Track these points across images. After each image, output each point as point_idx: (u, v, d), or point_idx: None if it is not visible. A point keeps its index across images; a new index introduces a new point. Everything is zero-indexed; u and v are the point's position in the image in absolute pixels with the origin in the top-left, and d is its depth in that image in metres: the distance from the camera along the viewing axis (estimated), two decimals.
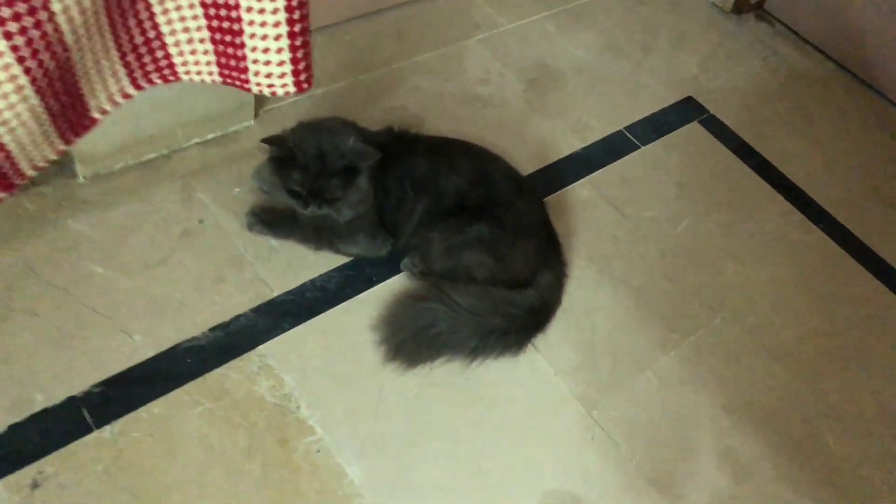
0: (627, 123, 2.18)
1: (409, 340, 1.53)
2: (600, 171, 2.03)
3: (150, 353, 1.44)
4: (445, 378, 1.53)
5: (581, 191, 1.97)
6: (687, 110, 2.26)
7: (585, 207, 1.93)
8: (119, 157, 1.68)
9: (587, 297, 1.74)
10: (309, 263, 1.65)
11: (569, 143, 2.08)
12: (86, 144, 1.59)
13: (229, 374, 1.45)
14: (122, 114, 1.57)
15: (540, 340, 1.64)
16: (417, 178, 1.64)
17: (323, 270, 1.65)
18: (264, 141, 1.49)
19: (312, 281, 1.63)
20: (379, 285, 1.66)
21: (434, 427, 1.46)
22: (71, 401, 1.35)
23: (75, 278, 1.50)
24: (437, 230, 1.63)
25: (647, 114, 2.22)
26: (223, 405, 1.40)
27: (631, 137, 2.14)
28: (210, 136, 1.82)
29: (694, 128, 2.22)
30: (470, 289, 1.56)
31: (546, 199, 1.88)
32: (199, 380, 1.43)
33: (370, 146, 1.54)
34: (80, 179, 1.66)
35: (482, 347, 1.55)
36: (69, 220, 1.59)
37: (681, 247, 1.90)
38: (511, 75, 2.22)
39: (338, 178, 1.51)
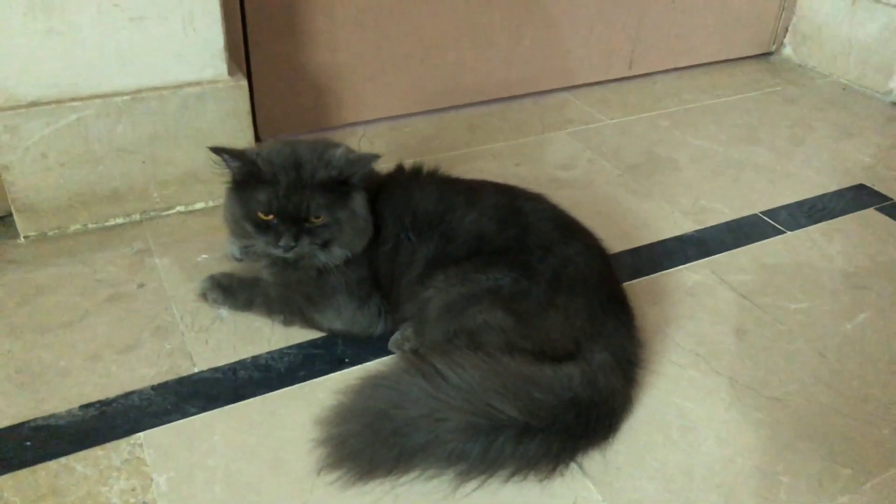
0: (766, 208, 1.58)
1: (361, 435, 0.94)
2: (721, 254, 1.42)
3: None
4: (416, 501, 0.90)
5: (690, 275, 1.35)
6: (858, 198, 1.65)
7: (695, 293, 1.30)
8: (75, 217, 1.36)
9: (687, 406, 1.06)
10: (261, 338, 1.16)
11: (676, 225, 1.51)
12: (29, 195, 1.28)
13: (75, 466, 0.93)
14: (71, 155, 1.27)
15: (592, 459, 0.97)
16: (421, 216, 1.14)
17: (277, 347, 1.14)
18: (214, 150, 1.07)
19: (256, 358, 1.12)
20: (351, 368, 1.11)
21: None
22: None
23: None
24: (436, 283, 1.08)
25: (795, 200, 1.61)
26: None
27: (770, 221, 1.53)
28: (199, 206, 1.46)
29: (870, 215, 1.57)
30: (468, 358, 0.96)
31: (631, 282, 1.28)
32: (26, 471, 0.93)
33: (367, 155, 1.08)
34: (21, 240, 1.34)
35: (485, 457, 0.92)
36: None
37: (854, 348, 1.18)
38: (604, 162, 1.74)
39: (322, 195, 1.05)
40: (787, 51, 2.45)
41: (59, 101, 1.29)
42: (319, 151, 1.09)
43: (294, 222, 1.05)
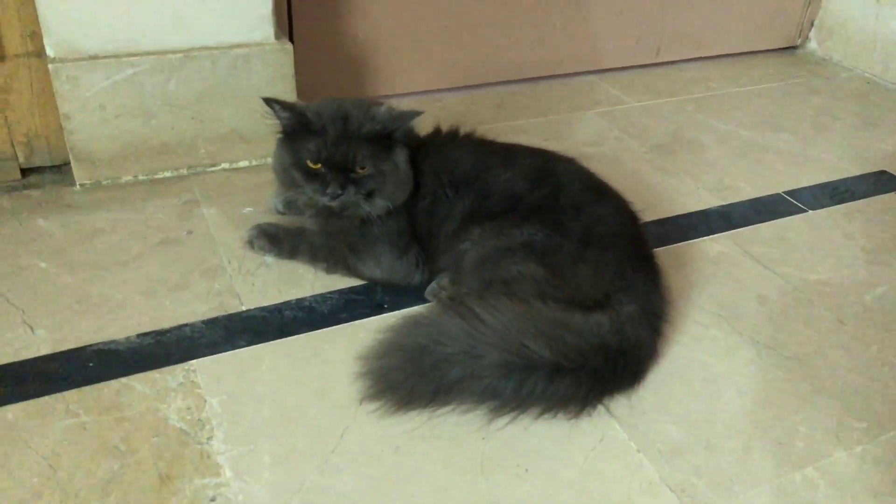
0: (789, 189, 1.62)
1: (401, 368, 1.00)
2: (744, 228, 1.47)
3: (44, 351, 1.05)
4: (450, 431, 0.96)
5: (713, 245, 1.40)
6: (880, 182, 1.70)
7: (718, 262, 1.35)
8: (127, 168, 1.43)
9: (710, 361, 1.12)
10: (304, 283, 1.22)
11: (701, 200, 1.56)
12: (86, 144, 1.35)
13: (134, 385, 1.00)
14: (126, 108, 1.33)
15: (618, 403, 1.02)
16: (458, 174, 1.20)
17: (320, 291, 1.20)
18: (267, 101, 1.14)
19: (300, 300, 1.18)
20: (389, 313, 1.17)
21: (412, 498, 0.87)
22: None
23: (7, 270, 1.19)
24: (472, 237, 1.14)
25: (816, 182, 1.66)
26: (104, 421, 0.94)
27: (793, 201, 1.58)
28: (243, 164, 1.53)
29: (891, 199, 1.63)
30: (503, 302, 1.02)
31: (656, 249, 1.33)
32: (90, 388, 0.99)
33: (410, 111, 1.15)
34: (76, 187, 1.40)
35: (518, 394, 0.97)
36: (39, 219, 1.32)
37: (872, 317, 1.24)
38: (630, 140, 1.79)
39: (367, 147, 1.11)
40: (812, 45, 2.49)
41: (117, 56, 1.36)
42: (365, 107, 1.15)
43: (341, 171, 1.11)
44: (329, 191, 1.11)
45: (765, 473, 0.95)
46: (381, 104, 1.18)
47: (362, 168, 1.12)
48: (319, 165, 1.11)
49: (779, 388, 1.09)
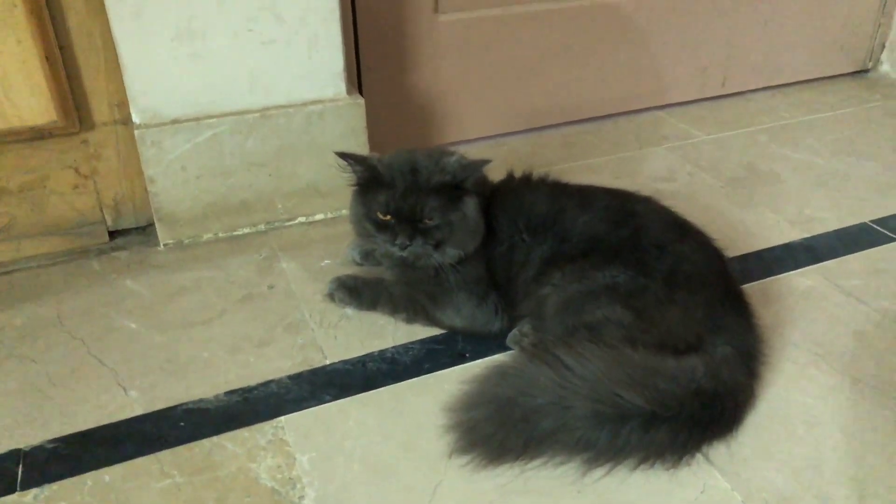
0: (876, 217, 1.56)
1: (490, 420, 0.98)
2: (832, 261, 1.42)
3: (138, 412, 1.07)
4: (545, 486, 0.94)
5: (801, 280, 1.36)
6: None
7: (809, 297, 1.30)
8: (208, 226, 1.47)
9: (810, 403, 1.07)
10: (385, 334, 1.22)
11: (783, 233, 1.52)
12: (169, 205, 1.40)
13: (225, 444, 1.00)
14: (207, 168, 1.38)
15: (717, 450, 0.98)
16: (535, 218, 1.19)
17: (401, 342, 1.20)
18: (341, 155, 1.17)
19: (382, 352, 1.18)
20: (471, 363, 1.16)
21: None
22: (12, 454, 1.00)
23: (100, 331, 1.22)
24: (553, 281, 1.13)
25: None
26: (198, 481, 0.95)
27: (881, 229, 1.52)
28: (318, 217, 1.55)
29: None
30: (590, 349, 1.00)
31: (743, 286, 1.29)
32: (183, 448, 1.00)
33: (478, 160, 1.15)
34: (160, 247, 1.45)
35: (612, 445, 0.95)
36: (128, 280, 1.36)
37: None
38: (704, 175, 1.76)
39: (436, 197, 1.12)
40: (885, 67, 2.42)
41: (197, 119, 1.40)
42: (435, 158, 1.16)
43: (409, 222, 1.12)
44: (398, 241, 1.12)
45: None
46: (453, 154, 1.18)
47: (430, 219, 1.12)
48: (389, 217, 1.12)
49: (889, 430, 1.03)
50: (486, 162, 1.15)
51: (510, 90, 1.93)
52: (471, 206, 1.15)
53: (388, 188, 1.13)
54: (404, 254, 1.15)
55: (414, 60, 1.78)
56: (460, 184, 1.13)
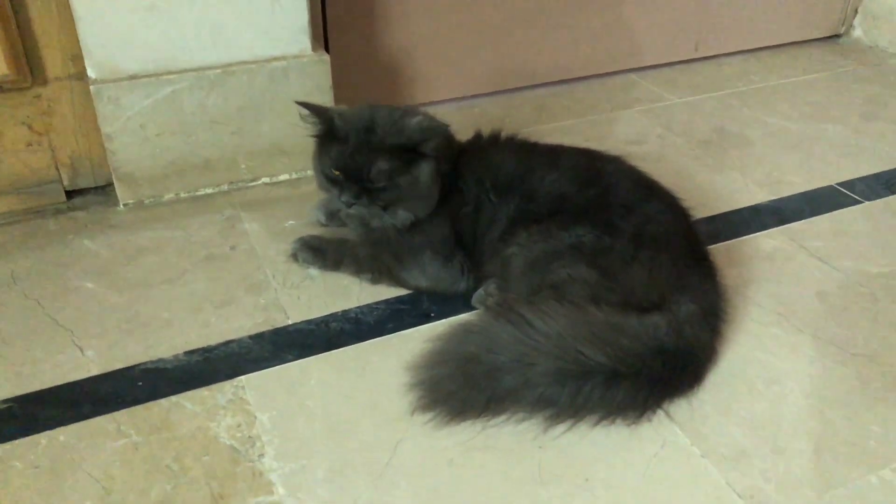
0: (842, 180, 1.57)
1: (452, 378, 0.97)
2: (798, 222, 1.42)
3: (94, 372, 1.05)
4: (506, 442, 0.93)
5: (767, 241, 1.36)
6: None
7: (774, 258, 1.30)
8: (169, 186, 1.43)
9: (771, 361, 1.07)
10: (350, 293, 1.21)
11: (750, 195, 1.51)
12: (128, 164, 1.36)
13: (184, 404, 0.99)
14: (167, 126, 1.34)
15: (678, 407, 0.99)
16: (502, 178, 1.17)
17: (365, 302, 1.18)
18: (301, 104, 1.14)
19: (346, 312, 1.17)
20: (436, 322, 1.14)
21: None
22: None
23: (56, 291, 1.19)
24: (519, 241, 1.12)
25: (872, 172, 1.60)
26: (155, 441, 0.93)
27: (847, 192, 1.52)
28: (282, 177, 1.52)
29: None
30: (555, 307, 0.99)
31: (709, 247, 1.29)
32: (140, 407, 0.98)
33: (441, 124, 1.12)
34: (120, 207, 1.41)
35: (574, 401, 0.94)
36: (85, 240, 1.33)
37: None
38: (675, 137, 1.75)
39: (387, 159, 1.09)
40: (857, 32, 2.42)
41: (156, 75, 1.36)
42: (396, 117, 1.13)
43: (356, 181, 1.10)
44: (343, 199, 1.11)
45: (838, 476, 0.91)
46: (417, 114, 1.15)
47: (377, 181, 1.10)
48: (338, 173, 1.10)
49: (847, 386, 1.04)
50: (445, 127, 1.12)
51: (481, 51, 1.90)
52: (425, 171, 1.12)
53: (342, 143, 1.11)
54: (351, 211, 1.13)
55: (383, 18, 1.74)
56: (416, 147, 1.11)
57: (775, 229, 1.41)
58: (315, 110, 1.12)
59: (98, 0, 1.27)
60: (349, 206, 1.11)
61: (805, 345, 1.11)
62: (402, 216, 1.14)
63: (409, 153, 1.10)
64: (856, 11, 2.38)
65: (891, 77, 2.12)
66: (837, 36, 2.42)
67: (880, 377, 1.05)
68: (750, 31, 2.24)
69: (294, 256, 1.28)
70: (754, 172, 1.62)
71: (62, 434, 0.95)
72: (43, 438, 0.94)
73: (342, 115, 1.13)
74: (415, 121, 1.12)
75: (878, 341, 1.12)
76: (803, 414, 0.99)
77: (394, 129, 1.11)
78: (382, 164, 1.09)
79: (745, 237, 1.38)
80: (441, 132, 1.12)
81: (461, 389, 0.96)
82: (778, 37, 2.31)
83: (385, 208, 1.12)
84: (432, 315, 1.16)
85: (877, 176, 1.61)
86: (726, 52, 2.25)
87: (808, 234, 1.39)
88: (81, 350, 1.08)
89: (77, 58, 1.32)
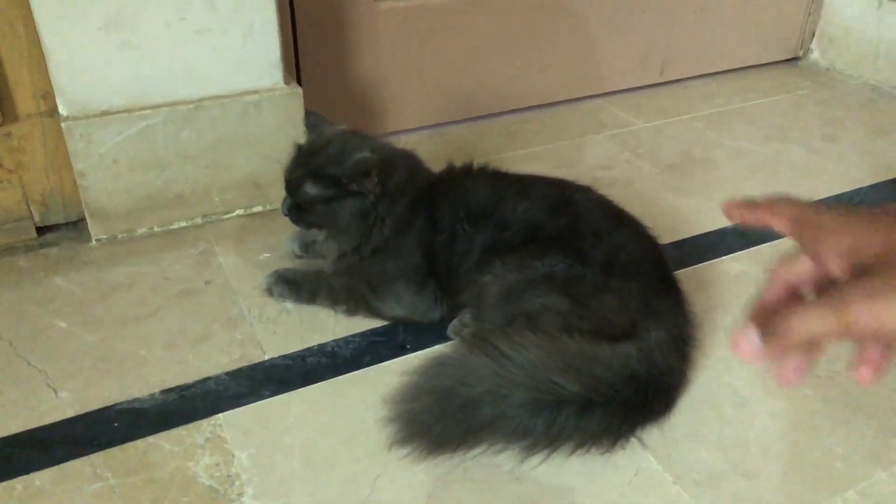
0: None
1: (429, 411, 0.98)
2: (763, 245, 1.45)
3: (69, 414, 1.04)
4: (483, 474, 0.95)
5: (734, 265, 1.39)
6: None
7: (740, 282, 1.34)
8: (142, 220, 1.43)
9: (739, 385, 1.10)
10: (325, 328, 1.21)
11: (717, 219, 1.55)
12: (101, 199, 1.36)
13: (161, 444, 0.99)
14: (140, 161, 1.35)
15: (650, 433, 1.01)
16: (475, 207, 1.20)
17: (342, 335, 1.19)
18: (307, 112, 1.29)
19: (322, 345, 1.18)
20: (412, 354, 1.16)
21: None
22: None
23: (28, 332, 1.19)
24: (494, 270, 1.14)
25: (832, 193, 1.66)
26: (133, 483, 0.93)
27: None
28: (257, 209, 1.53)
29: None
30: (528, 337, 1.01)
31: (677, 272, 1.32)
32: (116, 449, 0.98)
33: (375, 161, 1.15)
34: (93, 243, 1.41)
35: (549, 431, 0.96)
36: (56, 278, 1.32)
37: None
38: (641, 162, 1.79)
39: (315, 185, 1.16)
40: (815, 55, 2.49)
41: (129, 111, 1.37)
42: (348, 148, 1.18)
43: (291, 196, 1.19)
44: (282, 207, 1.20)
45: (805, 498, 0.93)
46: (364, 152, 1.17)
47: (300, 200, 1.18)
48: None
49: (812, 409, 1.07)
50: (367, 167, 1.14)
51: (451, 79, 1.93)
52: (347, 206, 1.17)
53: (292, 159, 1.21)
54: (296, 224, 1.22)
55: (354, 49, 1.77)
56: (347, 182, 1.15)
57: (742, 252, 1.44)
58: (308, 122, 1.28)
59: (69, 37, 1.27)
60: (285, 214, 1.20)
61: (771, 368, 1.14)
62: (328, 245, 1.23)
63: (338, 186, 1.14)
64: (813, 34, 2.46)
65: (848, 99, 2.18)
66: (797, 59, 2.49)
67: (843, 399, 1.08)
68: (713, 54, 2.30)
69: (269, 290, 1.28)
70: (720, 195, 1.65)
71: (38, 479, 0.94)
72: (18, 483, 0.93)
73: (317, 132, 1.24)
74: (357, 157, 1.15)
75: (841, 363, 1.15)
76: (771, 438, 1.02)
77: (335, 159, 1.15)
78: (309, 188, 1.16)
79: (712, 261, 1.41)
80: (371, 177, 1.15)
81: (437, 422, 0.97)
82: (740, 59, 2.37)
83: (309, 228, 1.22)
84: (408, 346, 1.18)
85: (838, 197, 1.66)
86: (691, 75, 2.31)
87: (773, 257, 1.42)
88: (55, 391, 1.08)
89: (48, 95, 1.33)
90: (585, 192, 1.25)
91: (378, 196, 1.17)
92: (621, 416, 0.99)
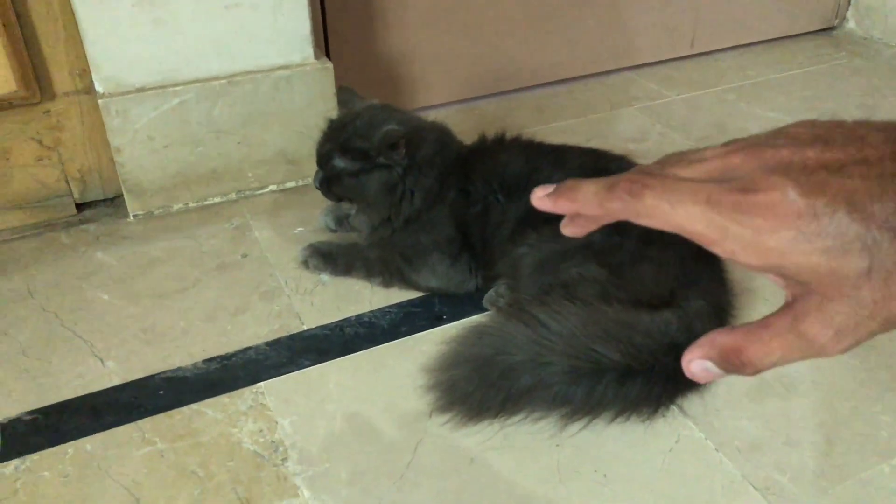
0: None
1: (469, 379, 0.99)
2: None
3: (115, 382, 1.06)
4: (524, 441, 0.95)
5: None
6: None
7: None
8: (177, 196, 1.45)
9: None
10: (362, 298, 1.22)
11: None
12: (137, 175, 1.38)
13: (206, 411, 1.00)
14: (174, 137, 1.36)
15: (691, 402, 1.01)
16: (509, 178, 1.19)
17: (378, 306, 1.20)
18: (339, 87, 1.32)
19: (359, 316, 1.18)
20: (449, 324, 1.16)
21: None
22: None
23: (72, 304, 1.21)
24: (529, 241, 1.13)
25: None
26: (180, 447, 0.95)
27: None
28: (290, 185, 1.54)
29: None
30: (566, 306, 1.01)
31: None
32: (163, 415, 1.00)
33: (401, 133, 1.15)
34: (130, 218, 1.43)
35: (589, 399, 0.96)
36: (98, 252, 1.34)
37: None
38: (674, 135, 1.77)
39: (343, 159, 1.18)
40: (851, 24, 2.44)
41: (163, 87, 1.38)
42: (376, 121, 1.18)
43: (322, 170, 1.20)
44: (314, 179, 1.22)
45: (851, 467, 0.92)
46: (393, 123, 1.18)
47: (330, 172, 1.20)
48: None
49: (855, 377, 1.06)
50: (395, 137, 1.15)
51: (480, 53, 1.92)
52: (374, 179, 1.18)
53: (323, 133, 1.22)
54: (329, 197, 1.24)
55: (382, 24, 1.76)
56: (374, 155, 1.15)
57: None
58: (342, 96, 1.30)
59: (104, 16, 1.28)
60: (317, 187, 1.22)
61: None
62: (359, 218, 1.23)
63: (366, 159, 1.14)
64: (849, 3, 2.41)
65: (885, 68, 2.14)
66: (831, 28, 2.44)
67: (887, 367, 1.07)
68: (744, 25, 2.26)
69: (305, 263, 1.29)
70: None
71: (88, 443, 0.96)
72: (70, 448, 0.95)
73: (349, 107, 1.25)
74: (384, 129, 1.15)
75: (885, 334, 1.14)
76: (814, 406, 1.01)
77: (363, 132, 1.15)
78: (338, 162, 1.17)
79: None
80: (396, 149, 1.15)
81: (477, 390, 0.98)
82: (772, 31, 2.33)
83: (340, 201, 1.24)
84: (444, 317, 1.18)
85: None
86: (722, 47, 2.27)
87: None
88: (101, 360, 1.10)
89: (84, 72, 1.34)
90: (620, 161, 1.24)
91: (406, 168, 1.17)
92: (661, 383, 0.98)
